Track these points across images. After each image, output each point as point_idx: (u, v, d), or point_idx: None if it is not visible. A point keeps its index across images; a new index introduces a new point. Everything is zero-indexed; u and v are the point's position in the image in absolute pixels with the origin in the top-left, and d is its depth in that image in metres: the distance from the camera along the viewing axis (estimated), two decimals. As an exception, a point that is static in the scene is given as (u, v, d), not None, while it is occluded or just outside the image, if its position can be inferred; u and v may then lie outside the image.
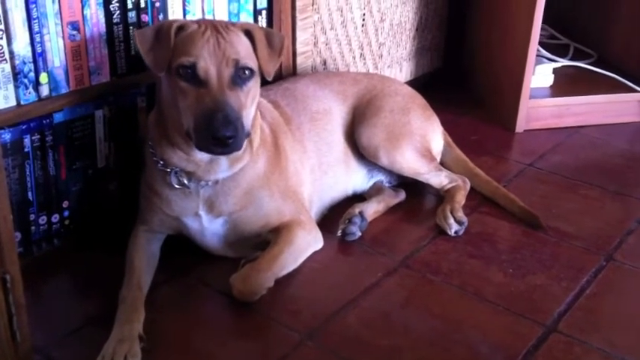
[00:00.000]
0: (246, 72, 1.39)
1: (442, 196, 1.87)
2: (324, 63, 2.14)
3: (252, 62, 1.41)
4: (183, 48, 1.37)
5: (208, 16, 1.74)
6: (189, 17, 1.69)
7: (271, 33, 1.50)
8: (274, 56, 1.47)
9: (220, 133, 1.31)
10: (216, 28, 1.39)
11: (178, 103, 1.38)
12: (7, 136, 1.45)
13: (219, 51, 1.36)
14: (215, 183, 1.49)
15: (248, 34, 1.43)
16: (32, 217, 1.56)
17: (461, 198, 1.83)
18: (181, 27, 1.40)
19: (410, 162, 1.83)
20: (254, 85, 1.42)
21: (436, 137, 1.96)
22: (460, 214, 1.77)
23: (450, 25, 2.65)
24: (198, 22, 1.42)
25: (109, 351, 1.28)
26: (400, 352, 1.37)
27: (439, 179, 1.87)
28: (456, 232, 1.74)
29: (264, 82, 1.83)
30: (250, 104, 1.42)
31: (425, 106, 1.97)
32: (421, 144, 1.86)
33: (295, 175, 1.65)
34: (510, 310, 1.49)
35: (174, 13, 1.66)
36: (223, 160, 1.47)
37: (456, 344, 1.39)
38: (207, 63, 1.35)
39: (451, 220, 1.75)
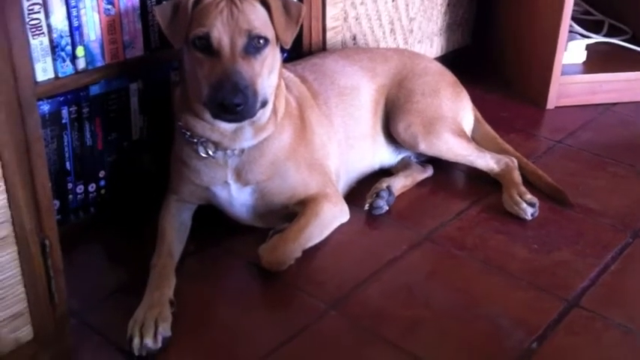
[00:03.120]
0: (261, 41, 1.41)
1: (494, 179, 1.85)
2: (354, 38, 2.15)
3: (267, 31, 1.43)
4: (199, 20, 1.40)
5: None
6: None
7: (288, 2, 1.51)
8: (292, 25, 1.48)
9: (227, 101, 1.35)
10: None
11: (197, 73, 1.42)
12: (45, 107, 1.50)
13: (232, 21, 1.39)
14: (241, 152, 1.53)
15: (264, 3, 1.45)
16: (70, 186, 1.62)
17: (519, 178, 1.81)
18: (198, 0, 1.43)
19: (449, 144, 1.82)
20: (270, 54, 1.44)
21: (467, 115, 1.96)
22: (529, 197, 1.73)
23: (480, 0, 2.62)
24: None
25: (140, 316, 1.34)
26: (421, 323, 1.40)
27: (485, 161, 1.85)
28: (532, 215, 1.72)
29: (295, 58, 1.86)
30: (268, 73, 1.45)
31: (455, 84, 1.97)
32: (455, 125, 1.86)
33: (322, 148, 1.68)
34: (533, 285, 1.50)
35: (207, -12, 1.68)
36: (247, 129, 1.50)
37: (477, 317, 1.41)
38: (220, 33, 1.38)
39: (524, 205, 1.72)
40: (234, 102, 1.35)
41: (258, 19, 1.43)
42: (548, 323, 1.39)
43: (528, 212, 1.72)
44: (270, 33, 1.44)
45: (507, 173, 1.83)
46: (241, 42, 1.39)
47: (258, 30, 1.41)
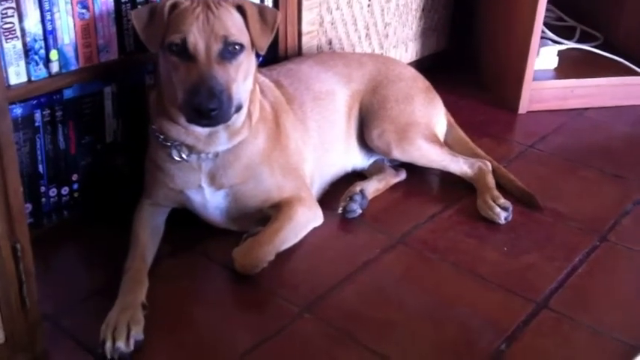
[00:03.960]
0: (236, 47, 1.43)
1: (467, 182, 1.87)
2: (330, 43, 2.16)
3: (242, 37, 1.45)
4: (175, 25, 1.42)
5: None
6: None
7: (264, 8, 1.53)
8: (267, 31, 1.50)
9: (203, 106, 1.36)
10: (207, 4, 1.43)
11: (172, 77, 1.43)
12: (18, 110, 1.50)
13: (207, 26, 1.40)
14: (215, 156, 1.54)
15: (240, 9, 1.47)
16: (43, 189, 1.61)
17: (492, 182, 1.84)
18: (174, 5, 1.44)
19: (422, 151, 1.85)
20: (245, 59, 1.46)
21: (440, 120, 1.99)
22: (503, 201, 1.76)
23: (456, 6, 2.66)
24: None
25: (112, 319, 1.34)
26: (394, 325, 1.42)
27: (459, 166, 1.87)
28: (505, 219, 1.74)
29: (270, 62, 1.88)
30: (243, 79, 1.46)
31: (428, 89, 1.99)
32: (428, 131, 1.88)
33: (296, 152, 1.69)
34: (503, 287, 1.53)
35: (182, -8, 1.69)
36: (222, 133, 1.51)
37: (448, 319, 1.43)
38: (195, 38, 1.39)
39: (497, 210, 1.74)
40: (209, 107, 1.36)
41: (234, 25, 1.44)
42: (517, 325, 1.42)
43: (502, 216, 1.74)
44: (245, 39, 1.46)
45: (481, 177, 1.85)
46: (217, 47, 1.41)
47: (233, 36, 1.42)
